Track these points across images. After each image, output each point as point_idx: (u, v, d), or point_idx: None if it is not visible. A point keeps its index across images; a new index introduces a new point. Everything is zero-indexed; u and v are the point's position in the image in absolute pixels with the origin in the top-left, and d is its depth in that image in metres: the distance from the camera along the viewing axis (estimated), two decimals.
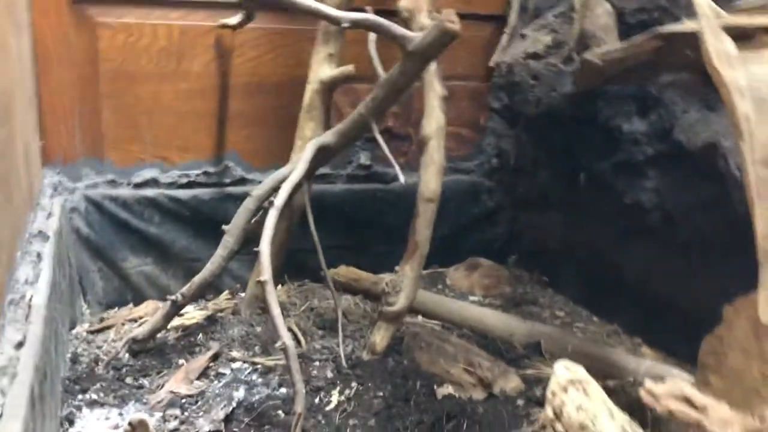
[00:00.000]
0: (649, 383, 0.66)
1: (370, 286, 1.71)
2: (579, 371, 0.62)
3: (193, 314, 1.53)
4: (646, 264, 1.53)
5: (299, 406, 1.10)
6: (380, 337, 1.38)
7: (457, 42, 1.83)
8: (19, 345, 0.87)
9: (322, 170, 1.77)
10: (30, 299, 1.00)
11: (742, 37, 0.87)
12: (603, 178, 1.54)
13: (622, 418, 0.63)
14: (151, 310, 1.57)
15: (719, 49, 0.79)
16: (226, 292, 1.66)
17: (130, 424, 0.80)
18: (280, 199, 1.18)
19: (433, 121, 1.31)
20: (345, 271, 1.77)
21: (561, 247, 1.82)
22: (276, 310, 1.12)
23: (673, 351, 1.45)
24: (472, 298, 1.79)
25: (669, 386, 0.66)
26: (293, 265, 1.68)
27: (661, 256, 1.48)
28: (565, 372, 0.63)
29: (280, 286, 1.73)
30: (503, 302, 1.77)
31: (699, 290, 1.35)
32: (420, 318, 1.63)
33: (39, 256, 1.16)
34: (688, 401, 0.65)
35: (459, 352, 1.35)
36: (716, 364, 0.98)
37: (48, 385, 1.00)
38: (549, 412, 0.63)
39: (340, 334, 1.40)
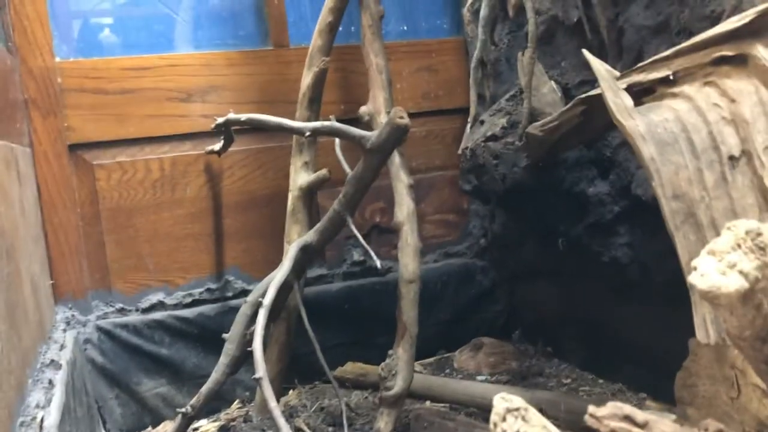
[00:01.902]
0: (591, 407, 0.70)
1: (377, 379, 1.75)
2: (515, 400, 0.67)
3: (206, 427, 1.58)
4: (635, 318, 1.57)
5: None
6: (384, 423, 1.41)
7: (430, 137, 1.99)
8: None
9: (319, 272, 1.87)
10: (41, 421, 1.07)
11: (647, 91, 0.97)
12: (579, 241, 1.60)
13: None
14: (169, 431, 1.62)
15: (618, 104, 0.89)
16: (237, 401, 1.71)
17: None
18: (268, 299, 1.27)
19: (404, 207, 1.40)
20: (352, 368, 1.82)
21: (558, 315, 1.86)
22: (273, 403, 1.17)
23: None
24: (480, 377, 1.82)
25: (610, 407, 0.70)
26: (303, 368, 1.74)
27: (647, 308, 1.52)
28: (502, 402, 0.68)
29: (291, 391, 1.77)
30: (511, 377, 1.79)
31: (686, 335, 1.38)
32: (428, 403, 1.66)
33: (51, 382, 1.23)
34: (630, 420, 0.70)
35: (461, 428, 1.38)
36: (690, 396, 1.01)
37: None
38: None
39: (345, 424, 1.43)
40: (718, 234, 0.83)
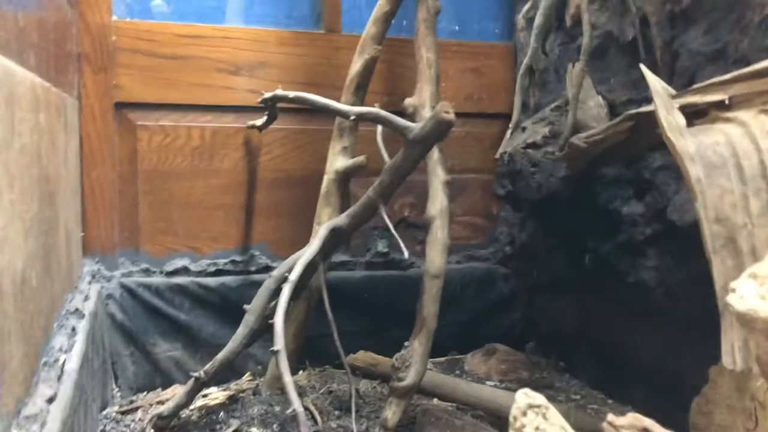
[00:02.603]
0: (611, 416, 0.71)
1: (388, 370, 1.76)
2: (538, 397, 0.68)
3: (216, 395, 1.60)
4: (655, 342, 1.56)
5: None
6: (392, 413, 1.42)
7: (468, 139, 1.99)
8: (50, 400, 0.96)
9: (342, 258, 1.88)
10: (63, 363, 1.09)
11: (700, 114, 0.97)
12: (607, 259, 1.60)
13: None
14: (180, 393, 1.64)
15: (671, 122, 0.89)
16: (248, 374, 1.73)
17: None
18: (294, 274, 1.28)
19: (437, 203, 1.41)
20: (363, 356, 1.83)
21: (575, 331, 1.86)
22: (287, 378, 1.19)
23: (686, 428, 1.46)
24: (489, 383, 1.82)
25: (630, 418, 0.70)
26: (315, 351, 1.76)
27: (669, 333, 1.51)
28: (525, 398, 0.69)
29: (301, 372, 1.79)
30: (520, 386, 1.78)
31: (706, 364, 1.37)
32: (435, 400, 1.67)
33: (74, 330, 1.26)
34: None
35: (468, 427, 1.38)
36: (705, 424, 1.01)
37: None
38: None
39: (353, 411, 1.44)
40: (756, 261, 0.83)
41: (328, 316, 1.45)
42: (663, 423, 1.56)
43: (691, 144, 0.86)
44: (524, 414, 0.67)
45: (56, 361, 1.07)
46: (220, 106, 1.75)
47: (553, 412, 0.67)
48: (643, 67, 1.02)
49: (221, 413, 1.52)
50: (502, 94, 1.99)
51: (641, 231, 1.52)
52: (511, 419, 0.69)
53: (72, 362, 1.14)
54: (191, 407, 1.53)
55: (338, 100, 1.61)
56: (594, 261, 1.65)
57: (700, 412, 1.01)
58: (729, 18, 1.27)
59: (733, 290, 0.66)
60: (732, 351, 0.86)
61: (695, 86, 0.98)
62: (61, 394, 1.01)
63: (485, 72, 2.00)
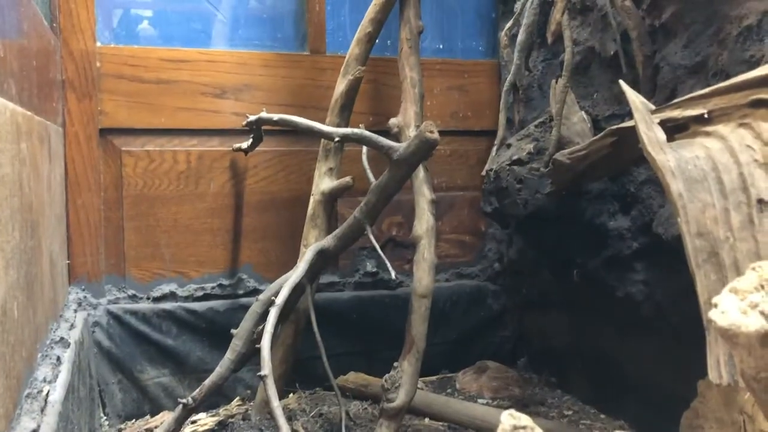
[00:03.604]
0: None
1: (378, 391, 1.75)
2: (523, 418, 0.67)
3: (205, 420, 1.58)
4: (645, 356, 1.56)
5: None
6: None
7: (455, 156, 2.00)
8: None
9: (331, 279, 1.88)
10: (47, 394, 1.08)
11: (680, 128, 0.97)
12: (595, 274, 1.60)
13: None
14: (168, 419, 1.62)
15: (651, 137, 0.89)
16: (237, 398, 1.72)
17: None
18: (281, 298, 1.27)
19: (424, 222, 1.41)
20: (354, 377, 1.82)
21: (566, 347, 1.85)
22: (275, 403, 1.18)
23: None
24: (481, 400, 1.81)
25: None
26: (305, 373, 1.74)
27: (658, 347, 1.51)
28: (510, 419, 0.68)
29: (291, 395, 1.78)
30: (512, 404, 1.78)
31: (696, 377, 1.37)
32: (427, 420, 1.66)
33: (59, 359, 1.24)
34: None
35: None
36: None
37: None
38: None
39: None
40: (739, 275, 0.83)
41: (316, 338, 1.44)
42: None
43: (671, 159, 0.86)
44: None
45: (40, 392, 1.06)
46: (205, 130, 1.75)
47: None
48: (622, 83, 1.03)
49: None
50: (487, 111, 2.00)
51: (628, 245, 1.52)
52: None
53: (56, 393, 1.12)
54: None
55: (323, 120, 1.61)
56: (582, 276, 1.65)
57: (689, 426, 1.01)
58: (708, 32, 1.28)
59: (715, 305, 0.66)
60: (718, 365, 0.86)
61: (674, 101, 0.98)
62: (44, 426, 1.00)
63: (470, 89, 2.00)
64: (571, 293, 1.75)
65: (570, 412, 1.73)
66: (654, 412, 1.53)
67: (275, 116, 1.51)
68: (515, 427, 0.67)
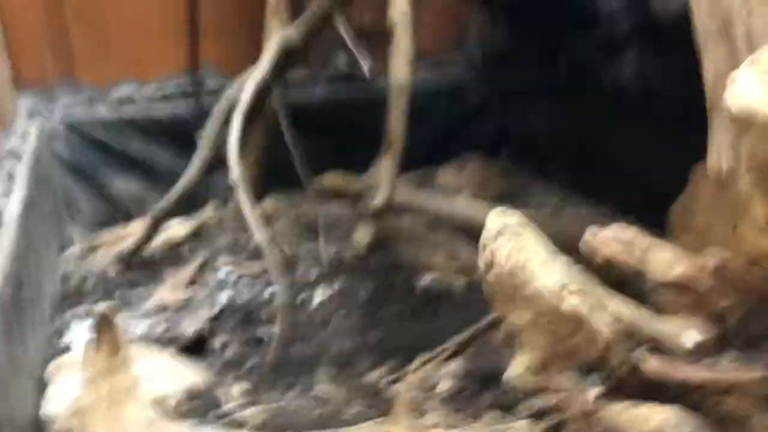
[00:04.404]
0: (593, 228, 0.65)
1: (358, 191, 1.71)
2: (510, 218, 0.61)
3: (179, 228, 1.54)
4: (632, 143, 1.50)
5: (281, 299, 1.11)
6: (363, 234, 1.38)
7: None
8: None
9: (300, 75, 1.75)
10: (1, 212, 1.01)
11: None
12: (584, 59, 1.50)
13: (563, 260, 0.62)
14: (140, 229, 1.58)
15: None
16: (212, 204, 1.66)
17: (95, 315, 0.81)
18: (244, 96, 1.17)
19: (398, 5, 1.26)
20: (332, 178, 1.76)
21: (550, 137, 1.79)
22: (248, 208, 1.12)
23: (664, 229, 1.44)
24: (463, 195, 1.78)
25: (614, 230, 0.64)
26: (282, 176, 1.67)
27: (646, 133, 1.45)
28: (497, 219, 0.62)
29: (268, 198, 1.72)
30: (495, 197, 1.75)
31: (686, 163, 1.33)
32: (408, 217, 1.63)
33: (11, 175, 1.16)
34: (632, 244, 0.64)
35: (441, 242, 1.35)
36: (685, 225, 0.97)
37: (25, 296, 1.02)
38: (482, 263, 0.62)
39: (321, 234, 1.40)
40: (753, 50, 0.74)
41: (288, 139, 1.36)
42: (640, 225, 1.55)
43: None
44: (495, 239, 0.60)
45: None
46: None
47: (529, 232, 0.60)
48: None
49: (186, 247, 1.47)
50: None
51: (620, 26, 1.40)
52: (481, 244, 0.62)
53: (11, 210, 1.05)
54: (155, 243, 1.48)
55: None
56: (570, 62, 1.54)
57: (681, 214, 0.97)
58: None
59: (732, 82, 0.57)
60: (719, 151, 0.79)
61: None
62: (2, 241, 0.94)
63: None
64: (557, 81, 1.65)
65: (553, 203, 1.70)
66: (638, 199, 1.51)
67: None
68: (500, 232, 0.61)
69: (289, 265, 1.38)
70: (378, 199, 1.35)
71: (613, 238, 0.64)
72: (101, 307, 0.80)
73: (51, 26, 1.53)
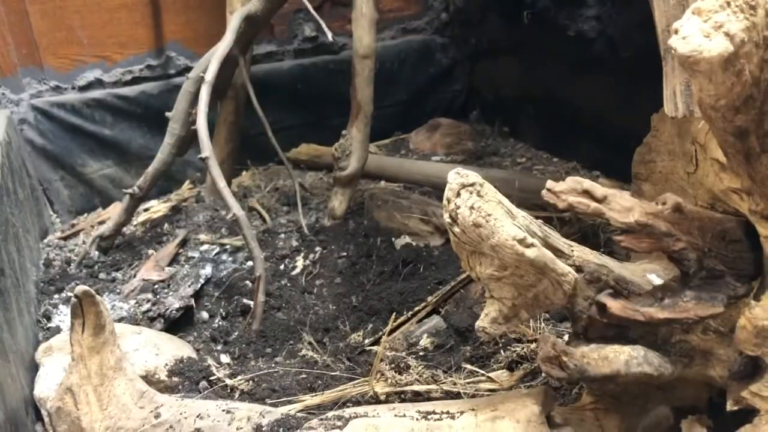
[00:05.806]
0: (550, 182, 0.67)
1: (331, 160, 1.72)
2: (471, 176, 0.64)
3: (158, 207, 1.55)
4: (597, 96, 1.53)
5: (259, 270, 1.13)
6: (338, 202, 1.40)
7: None
8: None
9: (268, 48, 1.75)
10: None
11: None
12: (546, 14, 1.51)
13: (523, 216, 0.65)
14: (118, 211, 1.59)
15: None
16: (188, 182, 1.68)
17: (75, 296, 0.83)
18: (210, 73, 1.18)
19: None
20: (306, 149, 1.78)
21: (518, 95, 1.81)
22: (221, 183, 1.14)
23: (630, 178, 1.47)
24: (435, 158, 1.80)
25: (569, 182, 0.67)
26: (256, 149, 1.69)
27: (610, 85, 1.47)
28: (457, 177, 0.64)
29: (244, 172, 1.74)
30: (466, 157, 1.78)
31: (648, 113, 1.35)
32: (382, 183, 1.65)
33: None
34: (589, 194, 0.67)
35: (415, 205, 1.38)
36: (647, 172, 1.00)
37: (8, 284, 1.03)
38: (446, 218, 0.65)
39: (299, 204, 1.42)
40: None
41: (258, 113, 1.37)
42: (607, 175, 1.58)
43: None
44: (458, 195, 0.62)
45: None
46: None
47: (489, 188, 0.63)
48: None
49: (166, 225, 1.48)
50: None
51: None
52: (444, 201, 0.65)
53: None
54: (134, 223, 1.50)
55: None
56: (533, 17, 1.56)
57: (642, 162, 1.00)
58: None
59: (676, 31, 0.59)
60: (674, 97, 0.81)
61: None
62: None
63: None
64: (521, 38, 1.67)
65: (523, 159, 1.74)
66: (606, 150, 1.54)
67: None
68: (463, 185, 0.64)
69: (271, 236, 1.41)
70: (350, 168, 1.36)
71: (570, 190, 0.67)
72: (80, 287, 0.81)
73: (9, 12, 1.51)
